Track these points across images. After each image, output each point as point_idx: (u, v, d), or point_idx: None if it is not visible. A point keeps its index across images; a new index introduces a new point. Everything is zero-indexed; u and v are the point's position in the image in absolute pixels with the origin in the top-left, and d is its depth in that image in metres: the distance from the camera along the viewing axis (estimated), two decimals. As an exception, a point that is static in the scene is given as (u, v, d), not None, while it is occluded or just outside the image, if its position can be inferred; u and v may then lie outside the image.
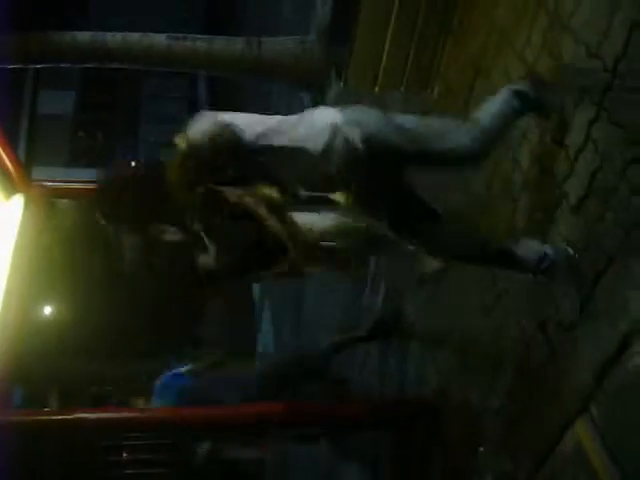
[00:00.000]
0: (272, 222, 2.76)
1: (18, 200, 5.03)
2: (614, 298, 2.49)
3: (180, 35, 6.17)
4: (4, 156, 4.69)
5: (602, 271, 2.56)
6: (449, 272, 3.96)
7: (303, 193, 2.92)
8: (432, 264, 4.04)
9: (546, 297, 2.92)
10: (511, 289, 3.26)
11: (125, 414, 4.33)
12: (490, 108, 2.93)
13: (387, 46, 4.29)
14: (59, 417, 4.18)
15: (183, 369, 4.94)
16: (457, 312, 3.85)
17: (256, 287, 10.76)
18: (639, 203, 2.40)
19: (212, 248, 2.92)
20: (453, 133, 2.84)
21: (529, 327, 3.02)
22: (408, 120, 2.87)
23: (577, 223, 2.75)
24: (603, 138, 2.64)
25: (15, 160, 5.08)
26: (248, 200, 2.75)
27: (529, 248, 2.91)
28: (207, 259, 2.99)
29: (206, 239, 2.91)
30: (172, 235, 3.10)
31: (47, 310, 14.52)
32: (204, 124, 2.85)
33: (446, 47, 4.26)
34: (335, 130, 2.72)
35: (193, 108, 18.81)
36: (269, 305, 9.85)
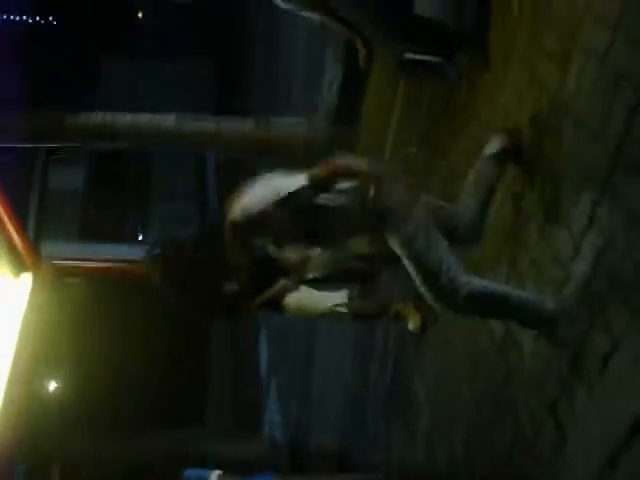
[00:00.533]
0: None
1: (27, 278, 5.07)
2: (623, 379, 2.48)
3: (189, 115, 6.30)
4: (14, 234, 4.75)
5: (610, 352, 2.55)
6: (454, 352, 3.95)
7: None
8: (415, 321, 4.24)
9: (554, 375, 2.90)
10: (518, 367, 3.24)
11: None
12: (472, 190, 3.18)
13: (393, 126, 4.38)
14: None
15: None
16: (465, 393, 3.81)
17: (263, 363, 10.69)
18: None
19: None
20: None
21: (539, 410, 2.99)
22: None
23: (583, 303, 2.76)
24: (607, 219, 2.66)
25: (24, 238, 5.14)
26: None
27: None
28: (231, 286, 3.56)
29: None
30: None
31: (53, 385, 14.44)
32: (257, 193, 3.04)
33: (450, 127, 4.34)
34: None
35: (201, 186, 19.02)
36: (276, 382, 9.76)
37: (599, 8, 2.87)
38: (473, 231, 3.25)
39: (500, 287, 3.10)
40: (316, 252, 3.52)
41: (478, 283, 2.97)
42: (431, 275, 2.93)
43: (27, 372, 4.72)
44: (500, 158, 3.23)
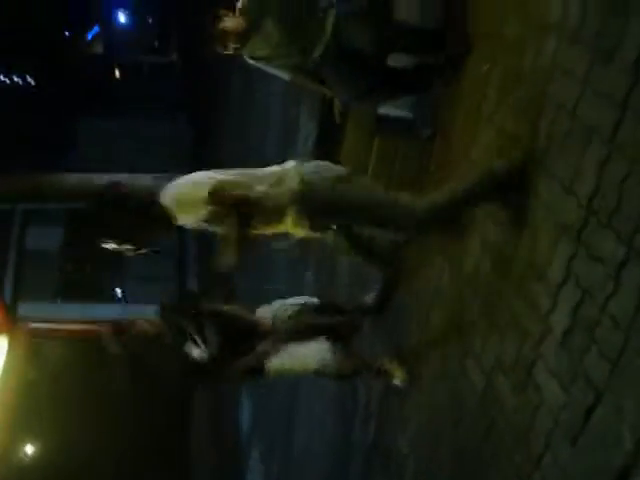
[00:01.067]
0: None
1: (2, 341, 5.01)
2: (607, 432, 2.47)
3: (165, 175, 6.30)
4: (-11, 299, 4.71)
5: (593, 405, 2.55)
6: (434, 403, 3.92)
7: None
8: (401, 375, 4.27)
9: (537, 429, 2.88)
10: (500, 422, 3.22)
11: None
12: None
13: None
14: None
15: None
16: (449, 447, 3.78)
17: (244, 424, 10.55)
18: (622, 337, 2.42)
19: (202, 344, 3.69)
20: None
21: (524, 465, 2.96)
22: None
23: (563, 357, 2.75)
24: (583, 272, 2.68)
25: (0, 300, 5.09)
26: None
27: None
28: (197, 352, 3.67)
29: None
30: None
31: (29, 448, 14.14)
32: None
33: (423, 182, 4.38)
34: None
35: (181, 239, 18.95)
36: (257, 442, 9.62)
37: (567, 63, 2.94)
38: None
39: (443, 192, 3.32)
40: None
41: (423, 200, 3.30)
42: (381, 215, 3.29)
43: (4, 434, 4.63)
44: (499, 179, 3.23)
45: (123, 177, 6.30)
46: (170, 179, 6.26)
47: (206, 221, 3.34)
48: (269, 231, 3.44)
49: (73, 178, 6.37)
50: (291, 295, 4.30)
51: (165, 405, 13.11)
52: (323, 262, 6.22)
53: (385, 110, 4.17)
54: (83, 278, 18.84)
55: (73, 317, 9.53)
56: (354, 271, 5.24)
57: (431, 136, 4.16)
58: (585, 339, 2.62)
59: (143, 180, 6.34)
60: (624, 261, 2.43)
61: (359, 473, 5.24)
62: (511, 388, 3.13)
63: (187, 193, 3.48)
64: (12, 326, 5.24)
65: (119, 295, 18.82)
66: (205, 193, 3.29)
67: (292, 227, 3.38)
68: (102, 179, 6.27)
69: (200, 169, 4.44)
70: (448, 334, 3.88)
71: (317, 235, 3.54)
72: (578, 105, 2.84)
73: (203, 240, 16.53)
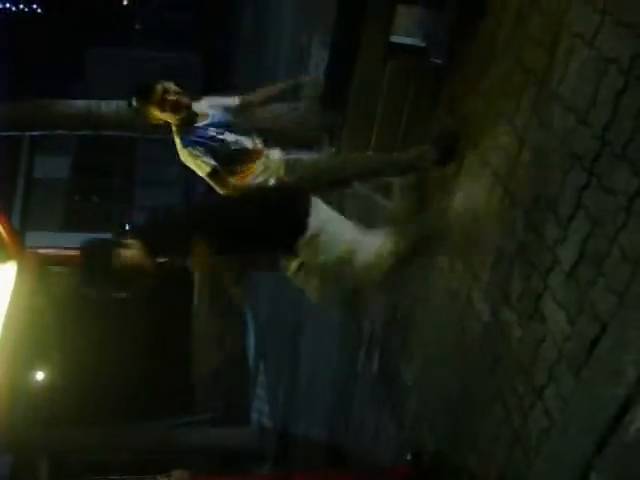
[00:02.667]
0: None
1: (11, 267, 5.04)
2: (610, 364, 2.48)
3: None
4: (-2, 225, 4.72)
5: (597, 337, 2.55)
6: (443, 339, 3.94)
7: None
8: None
9: (541, 360, 2.90)
10: (505, 353, 3.24)
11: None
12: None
13: (380, 111, 4.35)
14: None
15: None
16: (454, 377, 3.81)
17: (250, 352, 10.69)
18: (630, 269, 2.41)
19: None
20: None
21: (526, 396, 2.99)
22: None
23: (570, 288, 2.75)
24: (594, 204, 2.65)
25: (9, 228, 5.11)
26: None
27: None
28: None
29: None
30: None
31: (39, 375, 14.39)
32: None
33: (437, 113, 4.32)
34: None
35: (187, 172, 18.94)
36: (264, 370, 9.76)
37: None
38: None
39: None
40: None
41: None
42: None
43: (13, 359, 4.69)
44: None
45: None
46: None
47: None
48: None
49: (81, 104, 6.30)
50: None
51: (171, 334, 13.28)
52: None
53: (398, 39, 4.09)
54: (91, 208, 18.92)
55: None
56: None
57: (444, 65, 4.08)
58: (593, 271, 2.61)
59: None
60: (637, 193, 2.40)
61: (363, 403, 5.32)
62: (517, 320, 3.14)
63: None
64: (21, 253, 5.26)
65: (127, 226, 18.89)
66: None
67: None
68: (110, 106, 6.21)
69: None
70: (454, 263, 3.89)
71: None
72: (597, 35, 2.78)
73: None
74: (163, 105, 4.08)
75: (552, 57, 3.06)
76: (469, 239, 3.73)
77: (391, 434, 4.67)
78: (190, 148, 4.11)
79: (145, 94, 4.09)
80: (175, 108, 4.10)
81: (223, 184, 4.09)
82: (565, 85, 2.96)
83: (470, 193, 3.79)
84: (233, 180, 4.12)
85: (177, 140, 4.17)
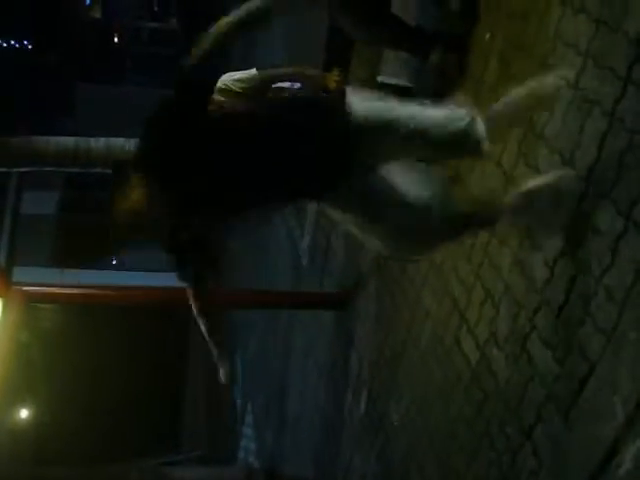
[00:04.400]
0: None
1: (-2, 304, 5.00)
2: (599, 404, 2.47)
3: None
4: (-16, 261, 4.70)
5: (586, 377, 2.55)
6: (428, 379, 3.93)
7: None
8: None
9: (528, 403, 2.89)
10: (493, 393, 3.23)
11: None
12: None
13: None
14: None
15: None
16: (442, 418, 3.79)
17: (238, 390, 10.61)
18: (616, 309, 2.42)
19: None
20: None
21: (515, 437, 2.98)
22: None
23: (558, 329, 2.75)
24: (580, 245, 2.67)
25: (-5, 265, 5.08)
26: None
27: None
28: None
29: None
30: None
31: (23, 412, 14.24)
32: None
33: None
34: None
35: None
36: (251, 409, 9.69)
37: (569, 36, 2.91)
38: None
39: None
40: None
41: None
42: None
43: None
44: None
45: (119, 141, 6.25)
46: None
47: None
48: None
49: (70, 141, 6.30)
50: None
51: (159, 371, 13.19)
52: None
53: (384, 78, 4.14)
54: (78, 244, 18.85)
55: (69, 283, 9.55)
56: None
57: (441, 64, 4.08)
58: (580, 311, 2.62)
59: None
60: (622, 233, 2.42)
61: (350, 442, 5.28)
62: (504, 360, 3.14)
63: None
64: (7, 289, 5.23)
65: (114, 261, 18.81)
66: None
67: None
68: (99, 143, 6.21)
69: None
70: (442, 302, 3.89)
71: None
72: (580, 78, 2.82)
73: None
74: None
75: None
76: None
77: (378, 476, 4.62)
78: None
79: None
80: None
81: None
82: (550, 126, 3.00)
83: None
84: None
85: None
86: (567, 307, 2.70)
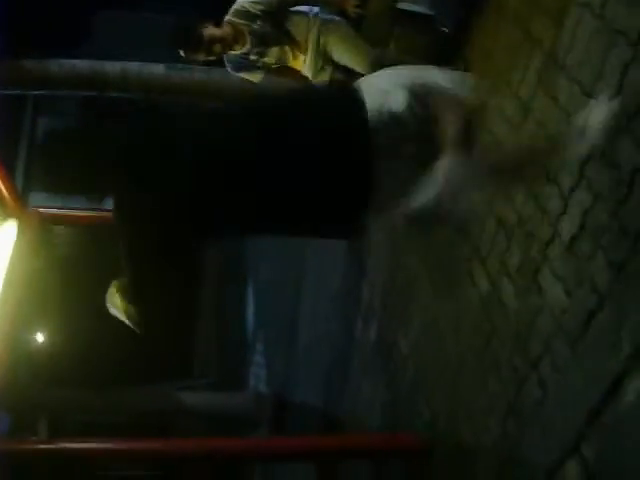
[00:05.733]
0: None
1: (12, 225, 5.01)
2: (606, 337, 2.48)
3: (179, 65, 6.20)
4: (0, 182, 4.69)
5: (594, 310, 2.56)
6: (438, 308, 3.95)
7: None
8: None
9: (537, 332, 2.91)
10: (502, 325, 3.25)
11: (114, 445, 4.25)
12: None
13: None
14: (46, 447, 4.11)
15: None
16: (451, 348, 3.82)
17: (249, 319, 10.72)
18: (629, 244, 2.41)
19: None
20: None
21: (521, 367, 3.00)
22: None
23: (569, 261, 2.75)
24: (596, 177, 2.64)
25: (10, 185, 5.07)
26: None
27: None
28: None
29: None
30: None
31: (40, 335, 14.46)
32: None
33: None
34: None
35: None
36: (262, 337, 9.80)
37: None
38: None
39: None
40: None
41: None
42: None
43: (13, 319, 4.70)
44: None
45: (135, 65, 6.20)
46: (183, 69, 6.21)
47: None
48: None
49: (85, 65, 6.25)
50: None
51: (172, 294, 13.32)
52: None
53: (404, 5, 4.05)
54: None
55: (85, 207, 9.58)
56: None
57: (451, 34, 4.04)
58: (592, 244, 2.61)
59: (155, 69, 6.25)
60: (639, 166, 2.39)
61: (360, 371, 5.34)
62: (514, 291, 3.14)
63: None
64: (23, 211, 5.23)
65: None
66: None
67: None
68: (115, 67, 6.17)
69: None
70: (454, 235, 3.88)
71: None
72: (606, 5, 2.75)
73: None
74: (211, 52, 4.16)
75: (560, 27, 3.03)
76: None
77: (386, 403, 4.69)
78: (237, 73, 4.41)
79: (194, 47, 4.13)
80: (223, 50, 4.19)
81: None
82: (572, 56, 2.93)
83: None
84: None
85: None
86: (579, 240, 2.69)
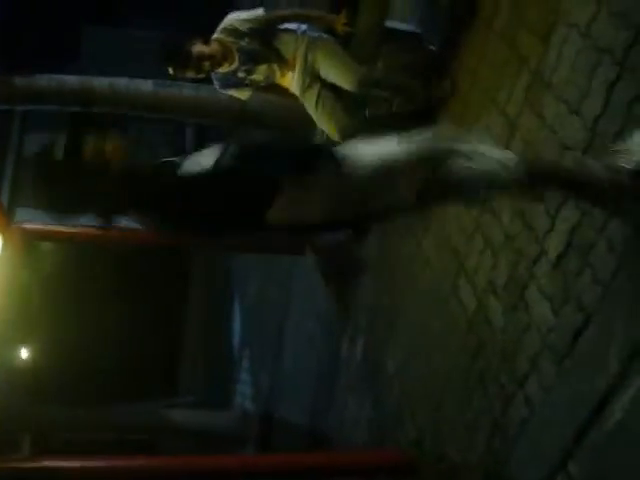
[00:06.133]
0: None
1: (-3, 241, 4.99)
2: (593, 355, 2.48)
3: (167, 82, 6.20)
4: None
5: (581, 327, 2.55)
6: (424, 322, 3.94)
7: None
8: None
9: (522, 352, 2.90)
10: (488, 342, 3.24)
11: (99, 462, 4.20)
12: None
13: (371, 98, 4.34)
14: (30, 464, 4.06)
15: None
16: (437, 365, 3.82)
17: (236, 336, 10.68)
18: (616, 261, 2.41)
19: None
20: None
21: (508, 385, 3.00)
22: None
23: (556, 279, 2.75)
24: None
25: (-4, 201, 5.05)
26: None
27: None
28: None
29: None
30: None
31: (23, 352, 14.34)
32: None
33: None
34: None
35: (180, 153, 18.80)
36: (248, 355, 9.77)
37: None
38: None
39: None
40: None
41: None
42: None
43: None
44: None
45: (123, 81, 6.19)
46: (172, 86, 6.21)
47: None
48: None
49: (73, 80, 6.24)
50: None
51: (158, 315, 13.27)
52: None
53: (393, 24, 4.08)
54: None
55: (70, 223, 9.54)
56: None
57: (438, 52, 4.07)
58: (579, 262, 2.61)
59: (144, 85, 6.24)
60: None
61: (346, 389, 5.32)
62: (501, 308, 3.14)
63: None
64: (7, 226, 5.22)
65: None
66: None
67: None
68: (103, 82, 6.16)
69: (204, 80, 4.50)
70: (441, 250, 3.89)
71: None
72: (592, 24, 2.77)
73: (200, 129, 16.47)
74: (200, 69, 4.15)
75: (547, 46, 3.05)
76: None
77: (372, 420, 4.67)
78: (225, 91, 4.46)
79: (183, 64, 4.12)
80: (211, 68, 4.19)
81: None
82: (558, 75, 2.95)
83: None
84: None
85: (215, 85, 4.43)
86: (566, 257, 2.69)
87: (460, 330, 3.54)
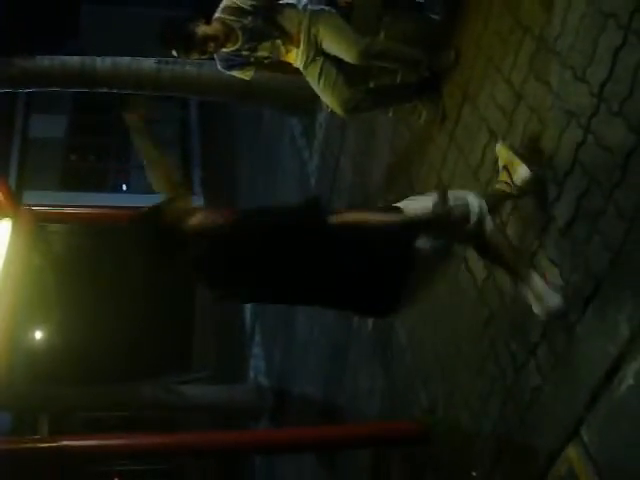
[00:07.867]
0: None
1: (6, 224, 5.01)
2: (604, 321, 2.49)
3: (169, 59, 6.17)
4: (-7, 182, 4.69)
5: (591, 294, 2.56)
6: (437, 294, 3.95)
7: None
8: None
9: (535, 318, 2.91)
10: (499, 311, 3.25)
11: (116, 440, 4.25)
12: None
13: (375, 70, 4.31)
14: (48, 444, 4.11)
15: None
16: (448, 335, 3.83)
17: (247, 311, 10.73)
18: (625, 226, 2.40)
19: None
20: None
21: (519, 353, 3.01)
22: None
23: (565, 246, 2.75)
24: (590, 161, 2.64)
25: (3, 184, 5.07)
26: None
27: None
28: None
29: None
30: None
31: (38, 334, 14.46)
32: None
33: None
34: None
35: (185, 131, 18.80)
36: (260, 329, 9.81)
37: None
38: None
39: None
40: None
41: None
42: None
43: (9, 318, 4.69)
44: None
45: (125, 60, 6.17)
46: (174, 64, 6.19)
47: None
48: None
49: (75, 61, 6.22)
50: None
51: (171, 292, 13.32)
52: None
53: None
54: (88, 168, 18.84)
55: (78, 204, 9.58)
56: None
57: (442, 21, 4.03)
58: (588, 228, 2.60)
59: (146, 64, 6.22)
60: (633, 149, 2.39)
61: (358, 360, 5.35)
62: (511, 278, 3.14)
63: None
64: (16, 210, 5.23)
65: (124, 186, 18.80)
66: None
67: None
68: (105, 62, 6.13)
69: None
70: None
71: None
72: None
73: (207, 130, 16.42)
74: (204, 51, 4.10)
75: (551, 12, 3.02)
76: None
77: (384, 392, 4.70)
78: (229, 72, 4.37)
79: (187, 47, 4.07)
80: (215, 49, 4.14)
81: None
82: (563, 41, 2.93)
83: (466, 149, 3.77)
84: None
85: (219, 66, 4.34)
86: (575, 224, 2.69)
87: (471, 299, 3.55)
